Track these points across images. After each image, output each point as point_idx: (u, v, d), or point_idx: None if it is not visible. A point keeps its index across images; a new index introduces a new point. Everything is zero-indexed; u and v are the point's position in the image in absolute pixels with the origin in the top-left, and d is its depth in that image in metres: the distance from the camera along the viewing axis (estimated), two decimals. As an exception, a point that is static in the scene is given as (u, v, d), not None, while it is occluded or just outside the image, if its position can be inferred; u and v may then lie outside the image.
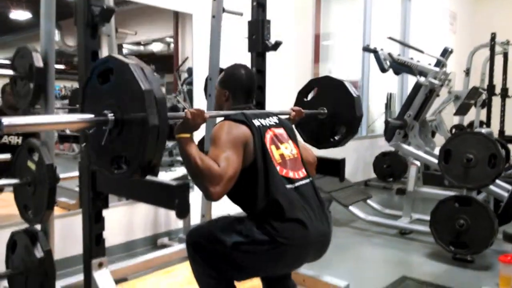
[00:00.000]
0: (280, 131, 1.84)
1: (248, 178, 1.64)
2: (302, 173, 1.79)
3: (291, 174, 1.72)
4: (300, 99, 2.51)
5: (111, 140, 1.37)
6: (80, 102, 1.48)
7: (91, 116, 1.37)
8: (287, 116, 2.13)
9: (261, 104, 2.65)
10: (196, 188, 1.59)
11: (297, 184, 1.73)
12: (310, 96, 2.53)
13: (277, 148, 1.76)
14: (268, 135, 1.75)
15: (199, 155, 1.55)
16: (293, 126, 2.08)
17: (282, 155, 1.75)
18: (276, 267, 1.69)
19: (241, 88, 1.90)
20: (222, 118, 1.81)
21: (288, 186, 1.69)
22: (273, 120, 1.86)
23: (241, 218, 1.71)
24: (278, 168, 1.70)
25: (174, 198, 1.52)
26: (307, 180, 1.79)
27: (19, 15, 3.16)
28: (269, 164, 1.68)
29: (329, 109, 2.39)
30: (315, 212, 1.72)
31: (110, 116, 1.34)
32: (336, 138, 2.42)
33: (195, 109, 1.62)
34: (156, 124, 1.26)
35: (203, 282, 1.75)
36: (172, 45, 4.23)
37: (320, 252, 1.81)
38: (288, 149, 1.80)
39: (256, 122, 1.76)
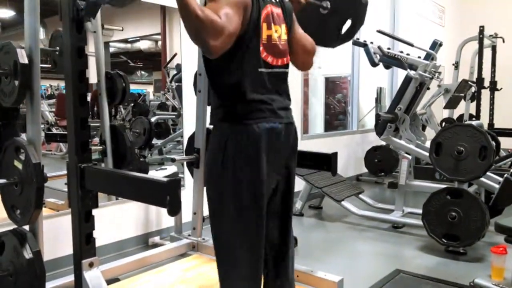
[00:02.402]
0: (278, 11, 1.72)
1: (231, 48, 1.51)
2: (281, 61, 1.70)
3: (269, 59, 1.64)
4: None
5: None
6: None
7: None
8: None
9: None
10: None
11: (272, 70, 1.65)
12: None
13: (268, 28, 1.65)
14: (265, 11, 1.64)
15: (199, 6, 1.40)
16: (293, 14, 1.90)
17: (269, 37, 1.65)
18: (257, 156, 1.59)
19: None
20: None
21: (262, 69, 1.62)
22: None
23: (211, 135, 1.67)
24: (261, 48, 1.61)
25: (165, 195, 1.49)
26: (284, 69, 1.72)
27: (3, 13, 3.10)
28: (255, 41, 1.59)
29: (332, 2, 2.19)
30: (279, 99, 1.66)
31: None
32: (343, 32, 2.22)
33: None
34: None
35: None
36: (160, 42, 4.18)
37: (287, 137, 1.70)
38: (277, 32, 1.69)
39: None
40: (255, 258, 1.65)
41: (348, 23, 2.21)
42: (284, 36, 1.72)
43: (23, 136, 2.05)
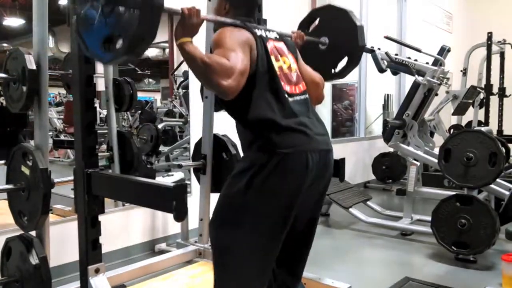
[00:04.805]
0: (280, 45, 1.77)
1: (247, 86, 1.55)
2: (298, 88, 1.72)
3: (287, 88, 1.66)
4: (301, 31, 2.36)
5: (103, 18, 1.36)
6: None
7: None
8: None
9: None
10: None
11: (294, 98, 1.66)
12: (311, 29, 2.40)
13: (276, 60, 1.68)
14: (269, 45, 1.68)
15: (205, 53, 1.46)
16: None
17: (280, 68, 1.68)
18: (293, 186, 1.58)
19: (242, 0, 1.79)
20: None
21: (287, 97, 1.63)
22: (274, 34, 1.78)
23: (238, 163, 1.67)
24: (278, 78, 1.64)
25: (171, 200, 1.48)
26: (305, 96, 1.74)
27: (13, 22, 3.14)
28: (270, 73, 1.62)
29: (330, 39, 2.28)
30: (314, 123, 1.67)
31: None
32: (337, 69, 2.32)
33: (190, 6, 1.52)
34: None
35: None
36: (167, 50, 4.20)
37: (326, 166, 1.70)
38: (286, 63, 1.73)
39: (258, 31, 1.68)
40: (261, 277, 1.65)
41: (344, 61, 2.29)
42: (294, 65, 1.76)
43: (31, 142, 2.06)
